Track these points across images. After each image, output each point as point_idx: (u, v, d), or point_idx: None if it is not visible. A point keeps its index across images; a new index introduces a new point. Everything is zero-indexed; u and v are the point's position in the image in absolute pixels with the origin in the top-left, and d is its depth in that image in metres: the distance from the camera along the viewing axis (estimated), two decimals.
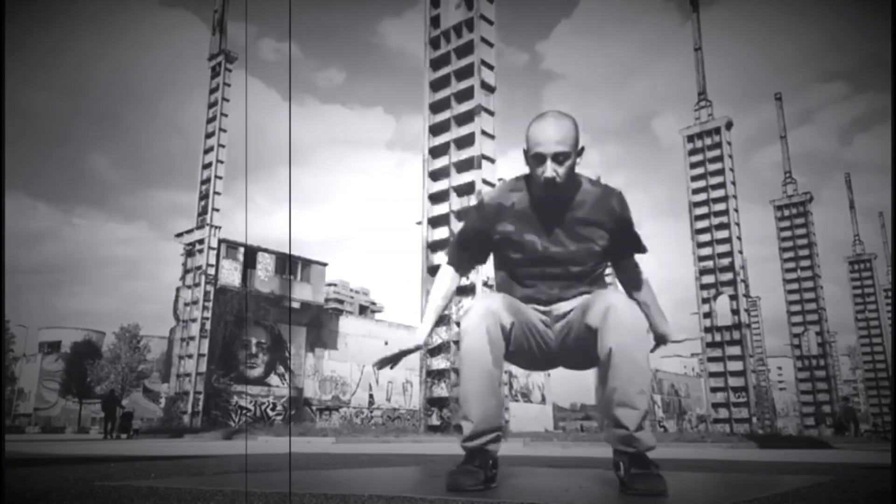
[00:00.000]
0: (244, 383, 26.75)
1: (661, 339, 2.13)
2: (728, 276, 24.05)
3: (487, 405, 1.85)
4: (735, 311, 23.69)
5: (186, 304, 25.37)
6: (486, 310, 1.88)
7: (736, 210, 24.66)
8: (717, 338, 23.93)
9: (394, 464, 3.93)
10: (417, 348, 2.02)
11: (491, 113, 17.93)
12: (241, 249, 27.00)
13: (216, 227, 25.33)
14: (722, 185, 24.78)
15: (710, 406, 24.69)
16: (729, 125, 25.58)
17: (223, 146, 25.87)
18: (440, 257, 17.93)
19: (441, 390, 16.87)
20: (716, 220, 24.65)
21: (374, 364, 2.10)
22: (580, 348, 1.94)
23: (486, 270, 15.25)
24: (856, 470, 3.33)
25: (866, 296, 44.32)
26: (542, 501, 1.58)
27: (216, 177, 25.52)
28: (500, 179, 31.15)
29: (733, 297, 23.78)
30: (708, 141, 25.52)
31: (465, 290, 16.52)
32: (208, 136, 26.24)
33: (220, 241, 25.84)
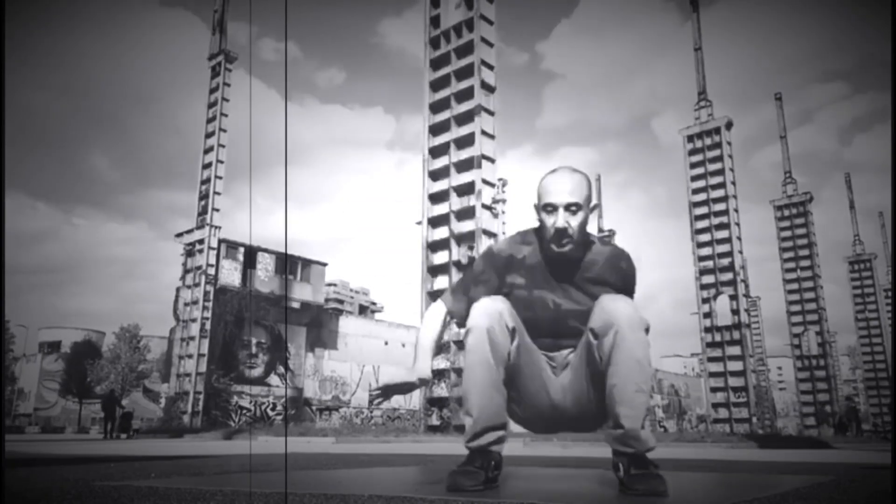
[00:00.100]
0: (244, 383, 26.77)
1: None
2: (728, 276, 24.05)
3: (489, 401, 1.83)
4: (735, 311, 23.71)
5: (186, 304, 25.39)
6: (491, 309, 1.87)
7: (736, 210, 24.66)
8: (717, 338, 23.94)
9: (394, 464, 3.93)
10: (423, 383, 1.98)
11: (491, 113, 17.94)
12: (241, 249, 27.03)
13: (216, 227, 25.35)
14: (722, 185, 24.79)
15: (710, 406, 24.73)
16: (729, 125, 25.59)
17: (223, 146, 25.89)
18: (440, 257, 17.92)
19: (441, 390, 16.89)
20: (716, 220, 24.65)
21: (374, 390, 2.00)
22: (584, 386, 1.88)
23: None
24: (856, 470, 3.33)
25: (866, 296, 44.33)
26: (541, 502, 1.58)
27: (216, 177, 25.54)
28: (500, 179, 31.21)
29: (733, 297, 23.79)
30: (708, 141, 25.53)
31: None
32: (208, 136, 26.26)
33: (220, 241, 25.88)
